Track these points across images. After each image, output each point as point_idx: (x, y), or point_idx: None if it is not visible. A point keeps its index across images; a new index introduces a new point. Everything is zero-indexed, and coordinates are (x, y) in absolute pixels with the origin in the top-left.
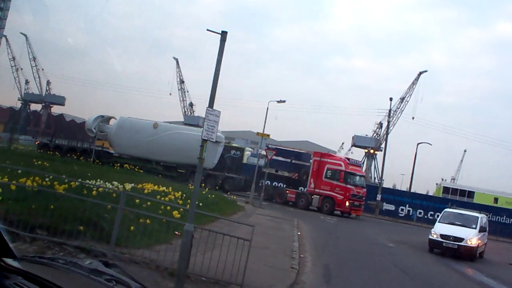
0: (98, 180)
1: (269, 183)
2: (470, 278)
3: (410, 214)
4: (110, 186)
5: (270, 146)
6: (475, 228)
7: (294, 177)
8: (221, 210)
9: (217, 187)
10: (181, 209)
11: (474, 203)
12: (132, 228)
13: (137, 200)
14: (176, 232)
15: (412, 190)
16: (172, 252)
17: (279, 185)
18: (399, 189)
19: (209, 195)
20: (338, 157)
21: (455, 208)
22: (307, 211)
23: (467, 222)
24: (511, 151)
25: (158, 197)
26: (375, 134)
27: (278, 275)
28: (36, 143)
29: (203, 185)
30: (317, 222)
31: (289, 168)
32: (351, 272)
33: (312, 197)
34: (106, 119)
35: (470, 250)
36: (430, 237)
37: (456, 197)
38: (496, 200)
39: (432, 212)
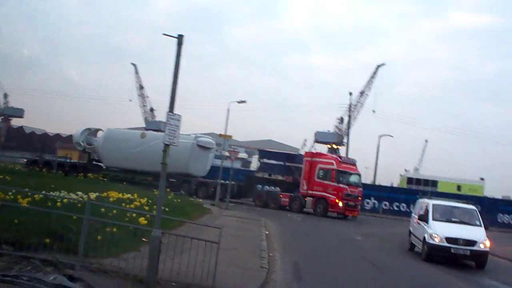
0: (62, 191)
1: (260, 187)
2: (439, 268)
3: (376, 206)
4: (75, 197)
5: (259, 149)
6: (480, 225)
7: (289, 181)
8: (187, 214)
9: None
10: (148, 215)
11: (438, 192)
12: (99, 237)
13: (102, 209)
14: (144, 239)
15: (376, 183)
16: (140, 259)
17: (273, 190)
18: (364, 182)
19: (175, 200)
20: (330, 156)
21: (436, 199)
22: (279, 210)
23: (467, 218)
24: (471, 139)
25: (124, 204)
26: (337, 129)
27: (248, 275)
28: (24, 160)
29: (194, 196)
30: (285, 221)
31: (282, 172)
32: (321, 267)
33: (306, 199)
34: (93, 132)
35: (484, 256)
36: (430, 241)
37: (420, 187)
38: (459, 187)
39: (397, 204)
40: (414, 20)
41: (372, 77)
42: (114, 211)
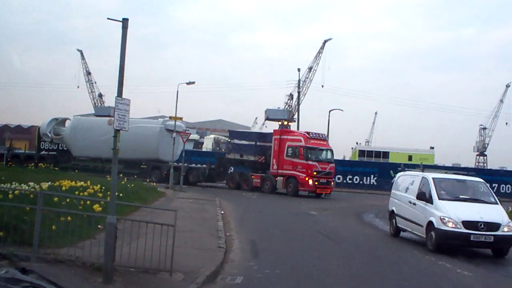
0: (13, 182)
1: (232, 169)
2: (394, 236)
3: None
4: (27, 188)
5: (230, 130)
6: (497, 203)
7: (261, 161)
8: (142, 199)
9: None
10: (102, 202)
11: (391, 163)
12: (53, 227)
13: (55, 199)
14: (99, 226)
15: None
16: (97, 247)
17: (244, 171)
18: None
19: (129, 185)
20: (298, 133)
21: (429, 171)
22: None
23: (479, 194)
24: (420, 109)
25: (77, 192)
26: (287, 106)
27: (206, 256)
28: None
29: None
30: (239, 200)
31: (254, 152)
32: (278, 244)
33: (276, 179)
34: (61, 121)
35: (509, 242)
36: (442, 227)
37: (372, 159)
38: (410, 157)
39: (350, 176)
40: None
41: (320, 52)
42: (68, 200)
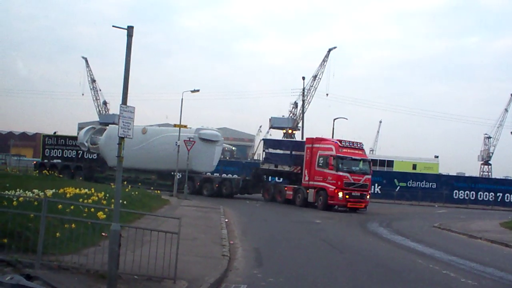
0: (18, 189)
1: (268, 180)
2: (398, 245)
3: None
4: (31, 195)
5: (264, 138)
6: None
7: (296, 171)
8: (146, 206)
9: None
10: (106, 209)
11: (395, 172)
12: (58, 234)
13: (60, 206)
14: (103, 233)
15: None
16: (101, 254)
17: (279, 182)
18: None
19: (133, 192)
20: (329, 141)
21: None
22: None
23: None
24: (424, 118)
25: (81, 200)
26: (291, 114)
27: (210, 264)
28: (33, 163)
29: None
30: (243, 208)
31: (289, 162)
32: (282, 252)
33: (308, 191)
34: (98, 130)
35: None
36: None
37: (376, 168)
38: (414, 166)
39: None
40: (362, 2)
41: (324, 60)
42: (72, 207)
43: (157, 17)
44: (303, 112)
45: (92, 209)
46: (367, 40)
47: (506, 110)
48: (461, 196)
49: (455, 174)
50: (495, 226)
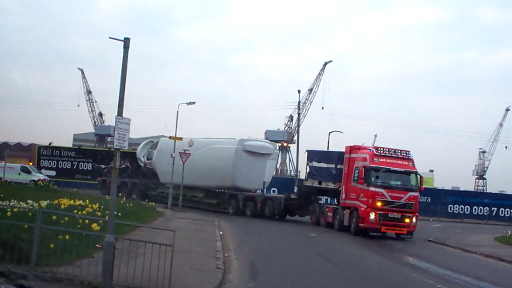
0: (12, 200)
1: (315, 200)
2: (393, 259)
3: (329, 202)
4: (25, 205)
5: (308, 150)
6: None
7: (339, 188)
8: (140, 218)
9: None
10: (100, 221)
11: None
12: (51, 245)
13: (54, 217)
14: (97, 245)
15: None
16: (95, 266)
17: (322, 202)
18: None
19: (127, 204)
20: (365, 149)
21: None
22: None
23: None
24: (419, 132)
25: (75, 211)
26: (287, 128)
27: (204, 277)
28: (97, 179)
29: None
30: (237, 221)
31: (334, 177)
32: (277, 265)
33: (344, 212)
34: (155, 144)
35: None
36: None
37: None
38: None
39: None
40: (359, 15)
41: (320, 74)
42: (66, 218)
43: (155, 28)
44: (298, 125)
45: (87, 221)
46: (364, 54)
47: (500, 125)
48: (456, 210)
49: (450, 188)
50: (490, 240)
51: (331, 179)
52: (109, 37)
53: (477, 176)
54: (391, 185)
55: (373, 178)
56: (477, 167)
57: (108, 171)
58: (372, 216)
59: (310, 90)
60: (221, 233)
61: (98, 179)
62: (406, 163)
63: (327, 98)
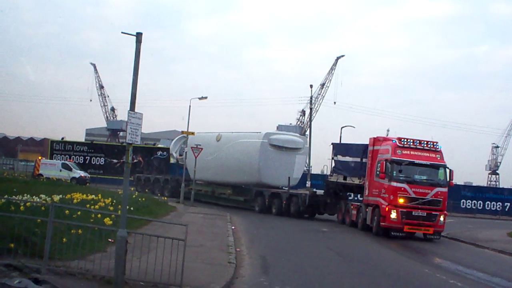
0: (25, 194)
1: (341, 195)
2: (405, 254)
3: (355, 200)
4: (38, 200)
5: (333, 143)
6: None
7: (363, 184)
8: (153, 213)
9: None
10: (113, 216)
11: None
12: (64, 240)
13: (67, 211)
14: (110, 240)
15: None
16: (107, 260)
17: (348, 200)
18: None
19: (140, 199)
20: (388, 140)
21: None
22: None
23: None
24: (431, 127)
25: (88, 205)
26: (299, 122)
27: (216, 271)
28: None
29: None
30: (249, 216)
31: (359, 171)
32: (288, 260)
33: (366, 209)
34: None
35: None
36: None
37: None
38: None
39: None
40: (371, 9)
41: (332, 69)
42: (79, 213)
43: (166, 23)
44: (310, 120)
45: (99, 215)
46: (376, 48)
47: None
48: (469, 205)
49: (462, 184)
50: (502, 236)
51: (356, 174)
52: (122, 32)
53: (490, 171)
54: (415, 179)
55: (395, 172)
56: (490, 162)
57: (142, 167)
58: (394, 214)
59: (322, 85)
60: (233, 227)
61: (132, 176)
62: (433, 156)
63: (339, 93)
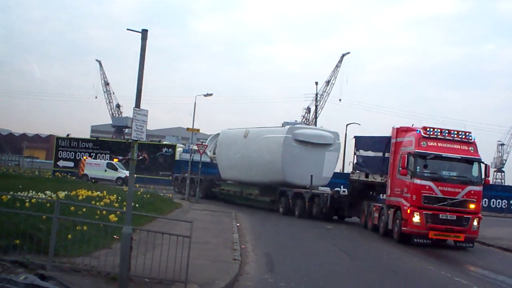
0: (30, 191)
1: (367, 195)
2: (409, 252)
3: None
4: (43, 196)
5: (356, 136)
6: None
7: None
8: (158, 209)
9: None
10: (118, 212)
11: None
12: (69, 236)
13: (72, 208)
14: (115, 236)
15: (345, 171)
16: (112, 257)
17: (371, 200)
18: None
19: (145, 195)
20: (412, 130)
21: None
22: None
23: None
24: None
25: (93, 202)
26: (304, 119)
27: (221, 268)
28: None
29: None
30: (254, 213)
31: (381, 168)
32: (293, 257)
33: (388, 212)
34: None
35: None
36: None
37: None
38: None
39: None
40: (376, 7)
41: (337, 66)
42: (84, 209)
43: (171, 21)
44: (316, 117)
45: (104, 212)
46: (381, 46)
47: None
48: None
49: None
50: (508, 233)
51: (378, 170)
52: (127, 29)
53: (495, 169)
54: (443, 176)
55: (418, 168)
56: (496, 160)
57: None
58: (417, 217)
59: (328, 82)
60: (238, 224)
61: (171, 176)
62: (466, 148)
63: (345, 90)
